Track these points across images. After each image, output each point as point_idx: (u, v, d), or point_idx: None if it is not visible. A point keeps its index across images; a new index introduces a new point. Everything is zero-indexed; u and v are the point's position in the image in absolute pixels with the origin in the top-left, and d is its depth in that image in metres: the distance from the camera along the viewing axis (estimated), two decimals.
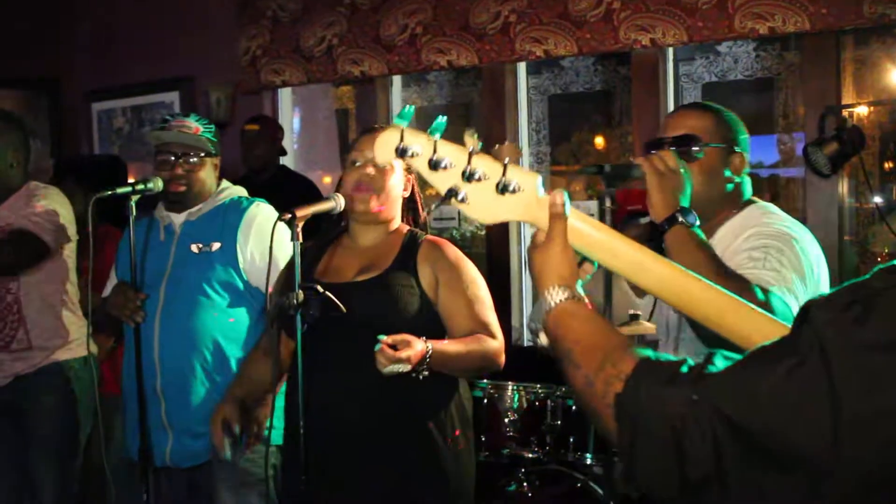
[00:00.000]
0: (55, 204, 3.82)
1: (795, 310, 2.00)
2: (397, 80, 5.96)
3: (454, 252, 2.88)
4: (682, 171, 2.24)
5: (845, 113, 4.43)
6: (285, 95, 6.31)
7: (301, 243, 2.70)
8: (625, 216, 2.37)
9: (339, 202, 2.86)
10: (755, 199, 2.50)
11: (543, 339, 1.48)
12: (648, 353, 1.29)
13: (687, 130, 2.40)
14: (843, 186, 4.54)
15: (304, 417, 2.66)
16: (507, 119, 5.45)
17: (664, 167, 2.22)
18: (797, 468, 1.07)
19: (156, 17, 6.50)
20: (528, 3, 4.97)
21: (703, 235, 2.19)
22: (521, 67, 5.54)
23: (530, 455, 4.02)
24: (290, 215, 2.68)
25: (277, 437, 3.33)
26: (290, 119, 6.36)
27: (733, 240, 2.35)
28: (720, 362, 1.18)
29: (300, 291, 2.58)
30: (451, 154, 1.49)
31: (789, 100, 4.93)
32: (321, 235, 3.09)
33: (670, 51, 5.01)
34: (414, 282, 2.82)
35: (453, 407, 2.86)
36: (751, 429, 1.09)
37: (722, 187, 2.42)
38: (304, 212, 2.73)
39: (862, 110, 4.67)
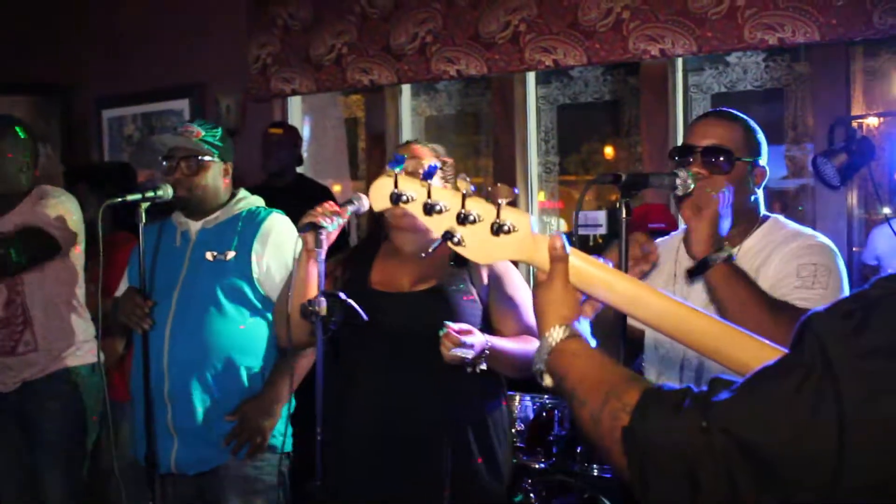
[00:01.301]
0: (65, 205, 3.84)
1: None
2: (407, 89, 5.98)
3: None
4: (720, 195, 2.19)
5: (855, 124, 4.41)
6: (295, 104, 6.33)
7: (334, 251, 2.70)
8: (647, 233, 2.34)
9: (362, 202, 2.84)
10: (768, 213, 2.46)
11: (548, 381, 1.49)
12: (652, 383, 1.29)
13: (717, 140, 2.33)
14: (853, 197, 4.54)
15: (320, 425, 2.68)
16: (515, 129, 5.46)
17: (704, 198, 2.16)
18: (809, 481, 1.07)
19: (166, 25, 6.53)
20: (537, 13, 4.98)
21: (742, 269, 2.15)
22: (531, 77, 5.55)
23: (537, 466, 4.02)
24: (316, 225, 2.65)
25: (287, 444, 3.37)
26: (300, 128, 6.38)
27: (766, 257, 2.30)
28: (724, 387, 1.18)
29: (322, 299, 2.59)
30: (446, 198, 1.53)
31: (799, 110, 4.93)
32: (364, 243, 3.12)
33: (679, 61, 5.02)
34: (471, 288, 2.86)
35: (492, 421, 2.90)
36: (763, 447, 1.09)
37: (746, 201, 2.36)
38: (333, 221, 2.70)
39: (872, 121, 4.66)
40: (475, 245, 1.53)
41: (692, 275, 2.18)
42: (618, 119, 5.70)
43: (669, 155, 2.44)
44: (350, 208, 2.81)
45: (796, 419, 1.07)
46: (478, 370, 2.63)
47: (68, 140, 7.14)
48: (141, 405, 3.29)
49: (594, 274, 1.55)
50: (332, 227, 2.67)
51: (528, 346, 2.76)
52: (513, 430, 3.26)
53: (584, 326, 1.53)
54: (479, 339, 2.59)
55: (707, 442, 1.13)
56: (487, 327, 2.84)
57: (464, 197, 1.52)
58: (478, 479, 2.82)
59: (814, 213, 4.66)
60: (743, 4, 4.39)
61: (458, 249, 1.53)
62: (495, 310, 2.88)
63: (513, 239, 1.52)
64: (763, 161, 2.40)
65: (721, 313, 2.02)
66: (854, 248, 4.56)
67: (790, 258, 2.24)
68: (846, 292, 2.17)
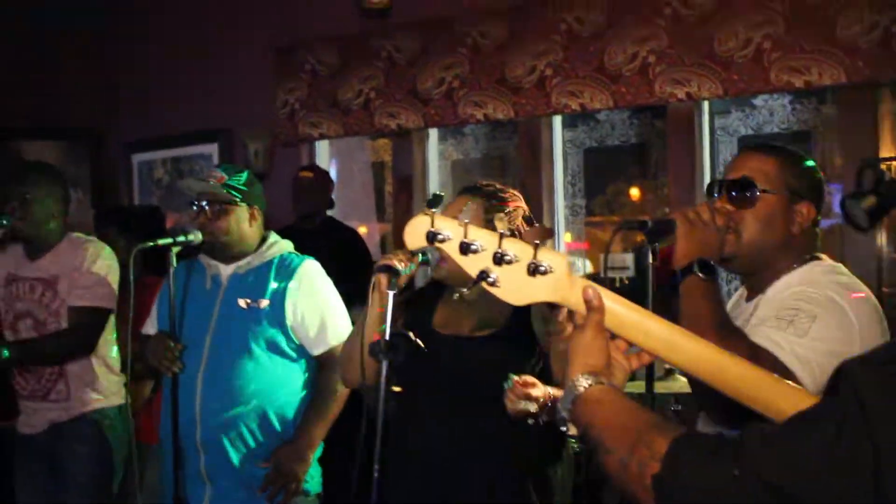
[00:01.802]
0: (105, 261, 3.89)
1: (809, 380, 1.94)
2: (434, 133, 6.02)
3: None
4: (719, 225, 2.18)
5: (884, 166, 4.40)
6: (322, 147, 6.39)
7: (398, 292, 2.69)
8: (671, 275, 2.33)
9: (434, 254, 2.81)
10: (821, 255, 2.33)
11: (573, 429, 1.49)
12: (682, 430, 1.29)
13: (747, 173, 2.26)
14: (882, 238, 4.51)
15: (380, 465, 2.68)
16: (542, 172, 5.48)
17: (695, 217, 2.16)
18: None
19: (195, 70, 6.62)
20: (563, 57, 5.01)
21: (716, 290, 2.11)
22: (557, 120, 5.57)
23: None
24: (391, 267, 2.65)
25: (316, 485, 3.37)
26: (327, 171, 6.43)
27: (782, 294, 2.21)
28: (757, 433, 1.17)
29: (389, 338, 2.60)
30: (482, 238, 1.52)
31: (826, 152, 4.92)
32: (428, 286, 3.12)
33: (706, 104, 5.02)
34: (530, 337, 2.83)
35: (550, 473, 2.88)
36: (798, 495, 1.08)
37: (779, 237, 2.25)
38: (407, 265, 2.70)
39: None
40: (510, 285, 1.52)
41: (673, 288, 2.16)
42: (644, 161, 5.71)
43: (706, 191, 2.40)
44: (422, 257, 2.81)
45: (831, 466, 1.06)
46: (540, 422, 2.62)
47: (98, 184, 7.22)
48: (170, 450, 3.29)
49: (629, 317, 1.54)
50: (405, 272, 2.68)
51: None
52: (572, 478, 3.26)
53: (615, 376, 1.53)
54: (542, 391, 2.56)
55: (740, 490, 1.12)
56: (546, 373, 2.82)
57: (501, 237, 1.51)
58: None
59: (842, 254, 4.63)
60: (769, 48, 4.41)
61: (493, 290, 1.52)
62: (554, 356, 2.81)
63: (549, 280, 1.51)
64: (809, 197, 2.29)
65: (681, 318, 2.05)
66: (884, 289, 4.52)
67: (782, 299, 2.16)
68: (842, 345, 2.03)
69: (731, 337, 1.98)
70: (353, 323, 3.49)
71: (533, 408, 2.53)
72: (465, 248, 1.52)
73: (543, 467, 2.87)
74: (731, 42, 4.53)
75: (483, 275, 1.52)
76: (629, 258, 5.24)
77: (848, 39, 4.24)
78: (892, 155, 4.59)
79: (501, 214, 2.78)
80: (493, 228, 2.82)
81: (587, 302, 1.52)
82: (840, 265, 2.32)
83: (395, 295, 2.56)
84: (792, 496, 1.09)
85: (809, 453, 1.09)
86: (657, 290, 2.47)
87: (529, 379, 2.58)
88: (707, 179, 4.89)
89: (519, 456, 2.79)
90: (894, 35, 4.13)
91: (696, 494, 1.18)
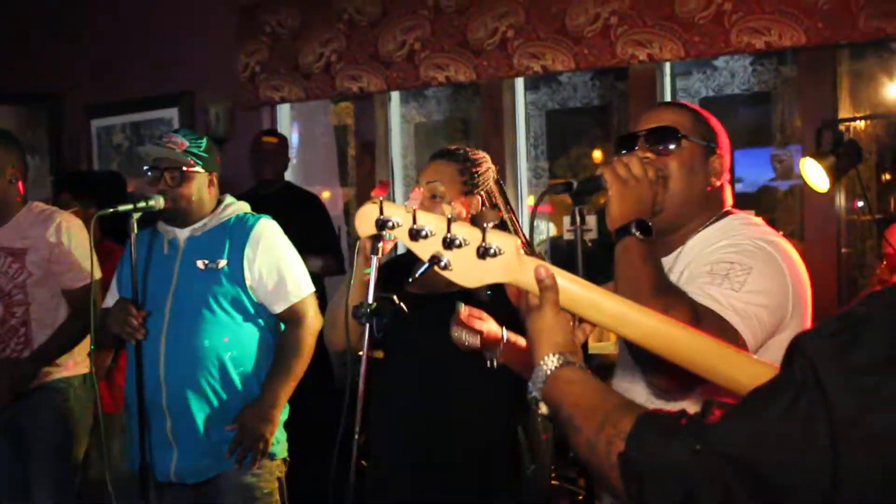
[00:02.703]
0: (81, 233, 3.86)
1: (750, 334, 1.94)
2: (396, 95, 5.99)
3: None
4: (650, 177, 2.05)
5: (842, 127, 4.45)
6: (284, 111, 6.33)
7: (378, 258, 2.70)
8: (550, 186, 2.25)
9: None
10: (735, 210, 2.29)
11: (543, 408, 1.50)
12: (646, 408, 1.31)
13: (666, 123, 2.20)
14: (841, 199, 4.56)
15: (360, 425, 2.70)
16: (505, 134, 5.47)
17: (626, 174, 2.01)
18: (805, 498, 1.08)
19: (155, 34, 6.53)
20: (525, 19, 5.00)
21: (653, 250, 2.00)
22: (519, 83, 5.56)
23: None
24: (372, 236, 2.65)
25: (282, 450, 3.38)
26: (289, 135, 6.38)
27: (704, 249, 2.15)
28: (717, 409, 1.19)
29: (374, 301, 2.60)
30: (431, 223, 1.54)
31: (786, 113, 4.96)
32: (407, 252, 3.13)
33: (667, 66, 5.04)
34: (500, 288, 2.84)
35: (523, 438, 2.92)
36: (759, 467, 1.10)
37: (700, 189, 2.19)
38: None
39: (859, 124, 4.69)
40: (462, 268, 1.54)
41: (609, 250, 2.05)
42: (606, 123, 5.73)
43: (614, 146, 2.32)
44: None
45: (789, 438, 1.08)
46: (491, 364, 2.62)
47: (57, 150, 7.12)
48: (135, 416, 3.29)
49: (580, 294, 1.56)
50: (389, 236, 2.67)
51: None
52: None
53: (577, 352, 1.54)
54: (492, 327, 2.57)
55: (702, 464, 1.14)
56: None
57: (449, 221, 1.52)
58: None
59: (801, 215, 4.68)
60: (730, 9, 4.42)
61: (445, 273, 1.54)
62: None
63: (499, 262, 1.53)
64: (721, 150, 2.23)
65: (616, 288, 1.92)
66: (843, 250, 4.58)
67: (713, 253, 2.09)
68: (777, 297, 2.02)
69: (673, 298, 1.90)
70: (313, 282, 3.53)
71: (474, 342, 2.53)
72: (414, 234, 1.53)
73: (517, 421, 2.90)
74: (692, 3, 4.53)
75: (434, 259, 1.53)
76: (592, 220, 5.26)
77: (808, 1, 4.26)
78: (851, 116, 4.64)
79: (449, 198, 2.79)
80: (470, 192, 2.85)
81: (539, 281, 1.53)
82: (752, 214, 2.29)
83: (378, 258, 2.57)
84: (751, 468, 1.11)
85: (767, 426, 1.11)
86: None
87: (476, 311, 2.58)
88: None
89: (496, 409, 2.82)
90: None
91: (659, 470, 1.20)
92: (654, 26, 4.63)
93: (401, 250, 3.94)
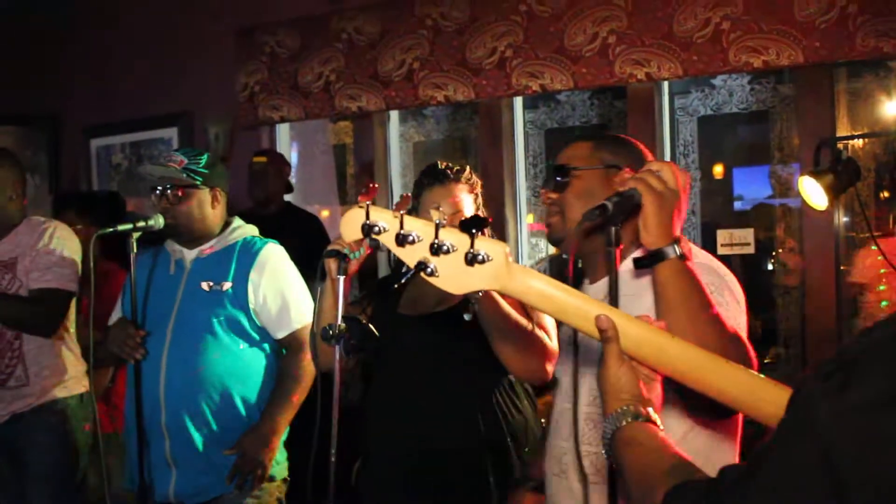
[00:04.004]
0: (67, 243, 3.85)
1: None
2: (395, 115, 6.00)
3: None
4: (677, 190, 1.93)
5: (840, 145, 4.45)
6: (283, 130, 6.35)
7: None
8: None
9: None
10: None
11: (616, 465, 1.51)
12: (688, 474, 1.31)
13: (563, 161, 2.30)
14: (839, 217, 4.56)
15: (334, 447, 2.68)
16: (504, 153, 5.48)
17: (661, 185, 1.88)
18: None
19: (154, 54, 6.55)
20: (523, 39, 5.01)
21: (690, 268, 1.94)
22: (518, 102, 5.57)
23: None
24: (340, 252, 2.64)
25: (283, 470, 3.38)
26: (288, 154, 6.39)
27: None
28: (732, 473, 1.19)
29: (342, 323, 2.60)
30: (418, 228, 1.52)
31: (784, 132, 4.96)
32: (395, 272, 3.14)
33: (665, 84, 5.05)
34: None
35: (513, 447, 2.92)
36: None
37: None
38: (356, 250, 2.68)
39: (857, 142, 4.70)
40: (449, 275, 1.52)
41: (640, 265, 1.97)
42: None
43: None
44: (370, 241, 2.79)
45: (794, 491, 1.09)
46: (465, 316, 2.60)
47: (56, 169, 7.14)
48: (135, 436, 3.28)
49: (562, 299, 1.55)
50: (355, 256, 2.67)
51: (531, 325, 2.69)
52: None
53: (643, 401, 1.52)
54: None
55: None
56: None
57: (437, 227, 1.51)
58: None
59: (801, 232, 4.69)
60: (727, 28, 4.43)
61: (432, 280, 1.52)
62: None
63: (487, 269, 1.51)
64: (632, 166, 2.19)
65: (663, 308, 1.86)
66: (841, 267, 4.58)
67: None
68: (740, 311, 2.05)
69: (714, 316, 1.85)
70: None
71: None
72: (401, 240, 1.51)
73: (504, 439, 2.90)
74: (691, 22, 4.55)
75: (421, 265, 1.51)
76: None
77: (805, 20, 4.27)
78: (849, 134, 4.64)
79: (436, 204, 2.80)
80: (479, 206, 2.88)
81: (602, 332, 1.51)
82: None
83: (344, 280, 2.57)
84: None
85: (772, 484, 1.11)
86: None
87: None
88: (668, 159, 4.92)
89: (482, 425, 2.82)
90: (850, 15, 4.17)
91: None
92: (652, 45, 4.64)
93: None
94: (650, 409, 1.50)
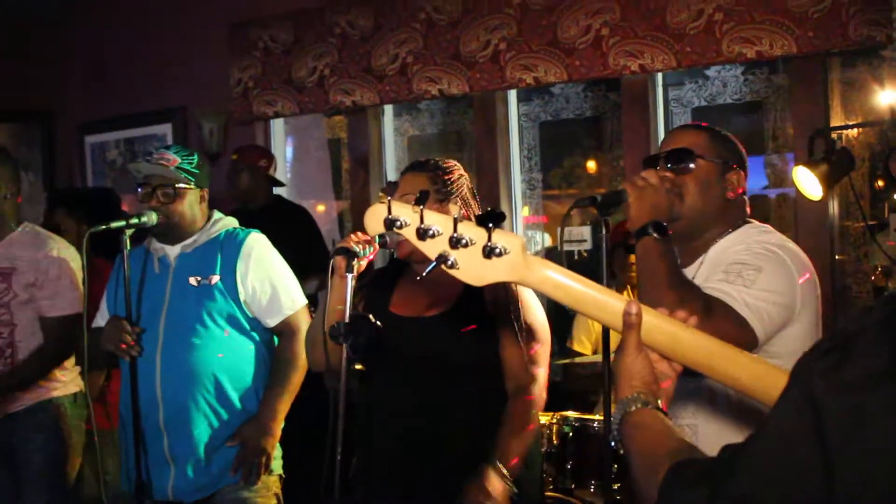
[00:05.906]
0: (70, 262, 3.85)
1: (759, 326, 2.14)
2: (389, 109, 6.00)
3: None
4: (666, 188, 2.32)
5: (834, 135, 4.46)
6: (278, 125, 6.35)
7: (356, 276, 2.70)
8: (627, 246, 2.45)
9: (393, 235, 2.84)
10: (752, 219, 2.52)
11: (622, 449, 1.54)
12: (686, 455, 1.34)
13: (684, 145, 2.46)
14: (834, 207, 4.57)
15: (341, 445, 2.69)
16: (498, 146, 5.48)
17: (643, 183, 2.29)
18: None
19: (148, 50, 6.54)
20: (517, 32, 5.01)
21: (669, 249, 2.23)
22: (512, 95, 5.58)
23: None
24: (349, 250, 2.66)
25: (278, 465, 3.38)
26: (283, 149, 6.39)
27: (723, 255, 2.39)
28: (730, 452, 1.21)
29: (349, 321, 2.61)
30: (438, 222, 1.55)
31: (778, 122, 4.97)
32: (386, 268, 3.13)
33: (659, 76, 5.05)
34: (482, 311, 2.85)
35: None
36: (759, 498, 1.13)
37: (716, 202, 2.44)
38: (365, 248, 2.71)
39: (851, 131, 4.70)
40: (468, 268, 1.55)
41: (629, 250, 2.29)
42: (600, 134, 5.74)
43: (644, 166, 2.50)
44: (378, 238, 2.80)
45: (787, 468, 1.11)
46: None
47: (51, 166, 7.13)
48: (131, 434, 3.28)
49: (578, 290, 1.57)
50: (364, 254, 2.70)
51: (523, 429, 2.81)
52: (541, 450, 3.40)
53: (654, 390, 1.56)
54: (497, 489, 2.68)
55: None
56: (493, 352, 2.86)
57: (455, 221, 1.54)
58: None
59: (795, 222, 4.69)
60: (721, 19, 4.44)
61: (453, 272, 1.56)
62: (503, 339, 2.87)
63: (504, 261, 1.54)
64: (739, 166, 2.48)
65: (637, 278, 2.17)
66: (837, 256, 4.59)
67: (729, 257, 2.32)
68: (791, 298, 2.26)
69: (687, 292, 2.12)
70: (307, 296, 3.53)
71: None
72: (422, 234, 1.55)
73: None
74: (684, 14, 4.55)
75: (442, 258, 1.55)
76: (587, 231, 5.28)
77: (798, 10, 4.28)
78: (843, 124, 4.65)
79: (456, 198, 2.81)
80: (445, 200, 2.85)
81: (625, 316, 1.55)
82: (769, 226, 2.52)
83: (353, 277, 2.58)
84: (754, 501, 1.13)
85: (767, 461, 1.13)
86: (612, 248, 2.55)
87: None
88: None
89: (484, 424, 2.83)
90: (843, 5, 4.17)
91: None
92: (645, 37, 4.65)
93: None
94: (659, 401, 1.54)
